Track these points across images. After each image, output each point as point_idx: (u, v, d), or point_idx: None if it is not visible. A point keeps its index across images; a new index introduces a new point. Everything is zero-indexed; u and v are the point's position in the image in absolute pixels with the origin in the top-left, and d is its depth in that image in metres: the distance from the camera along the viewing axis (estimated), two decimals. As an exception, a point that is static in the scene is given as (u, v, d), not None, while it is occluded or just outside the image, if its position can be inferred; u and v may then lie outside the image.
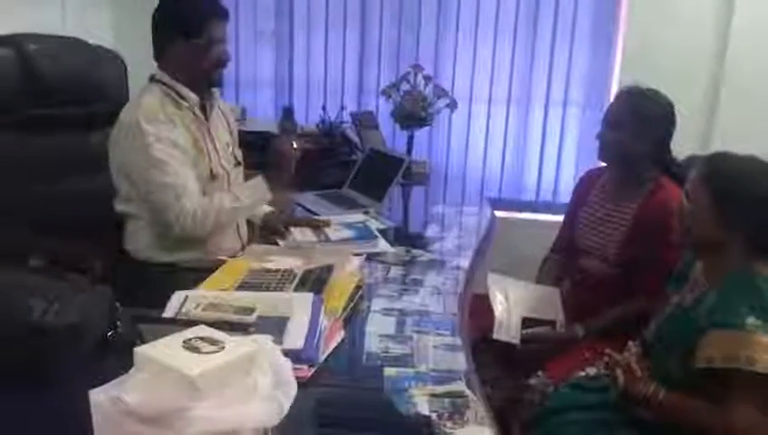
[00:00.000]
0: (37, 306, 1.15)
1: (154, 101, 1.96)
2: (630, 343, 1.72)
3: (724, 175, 1.53)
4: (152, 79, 2.03)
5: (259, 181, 2.06)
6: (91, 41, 2.29)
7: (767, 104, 3.07)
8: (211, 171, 2.05)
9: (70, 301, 1.19)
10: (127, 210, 2.04)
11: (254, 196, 2.05)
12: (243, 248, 2.09)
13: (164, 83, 2.00)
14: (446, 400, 1.22)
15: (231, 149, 2.19)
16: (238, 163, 2.22)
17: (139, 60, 3.16)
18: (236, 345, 0.98)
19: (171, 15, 2.01)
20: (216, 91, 2.15)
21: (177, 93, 2.00)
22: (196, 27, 1.98)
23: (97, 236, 2.04)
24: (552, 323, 2.10)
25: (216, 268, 1.73)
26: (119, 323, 1.29)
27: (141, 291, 1.77)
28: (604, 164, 2.24)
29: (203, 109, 2.07)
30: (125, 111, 1.98)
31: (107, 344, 1.24)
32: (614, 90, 3.32)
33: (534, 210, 3.54)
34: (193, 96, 2.02)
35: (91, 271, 1.86)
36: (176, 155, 1.93)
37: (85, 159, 2.15)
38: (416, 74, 3.10)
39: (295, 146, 2.11)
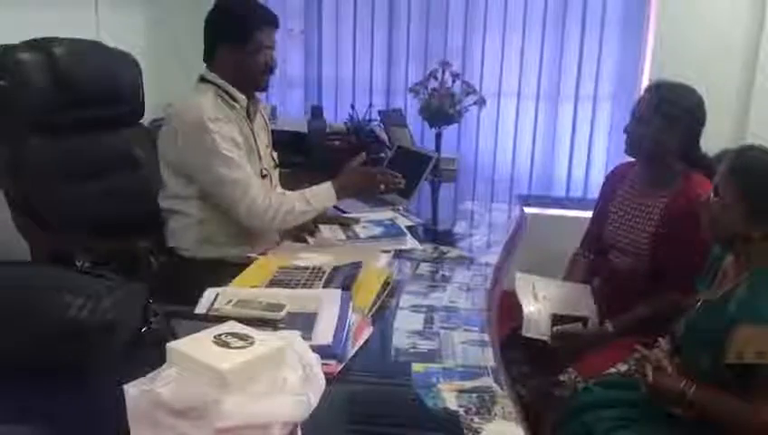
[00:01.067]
0: (73, 304, 1.18)
1: (211, 101, 2.02)
2: (660, 339, 1.70)
3: (754, 169, 1.50)
4: (203, 79, 2.09)
5: (328, 187, 2.11)
6: (113, 44, 2.34)
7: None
8: (261, 171, 2.12)
9: (105, 298, 1.21)
10: (173, 207, 2.09)
11: (323, 201, 2.10)
12: (278, 244, 2.13)
13: (216, 84, 2.06)
14: (474, 395, 1.22)
15: (269, 150, 2.24)
16: (276, 165, 2.27)
17: (170, 62, 3.22)
18: (266, 341, 0.99)
19: (223, 20, 2.06)
20: (258, 95, 2.20)
21: (229, 95, 2.06)
22: (245, 33, 2.03)
23: (135, 233, 2.09)
24: (583, 319, 2.08)
25: (247, 265, 1.75)
26: (152, 319, 1.32)
27: (173, 288, 1.81)
28: (632, 159, 2.22)
29: (247, 111, 2.13)
30: (182, 112, 2.02)
31: (141, 340, 1.27)
32: (645, 83, 3.28)
33: (564, 206, 3.51)
34: (243, 98, 2.08)
35: (140, 265, 1.92)
36: (239, 153, 2.00)
37: (110, 160, 2.22)
38: (443, 71, 3.09)
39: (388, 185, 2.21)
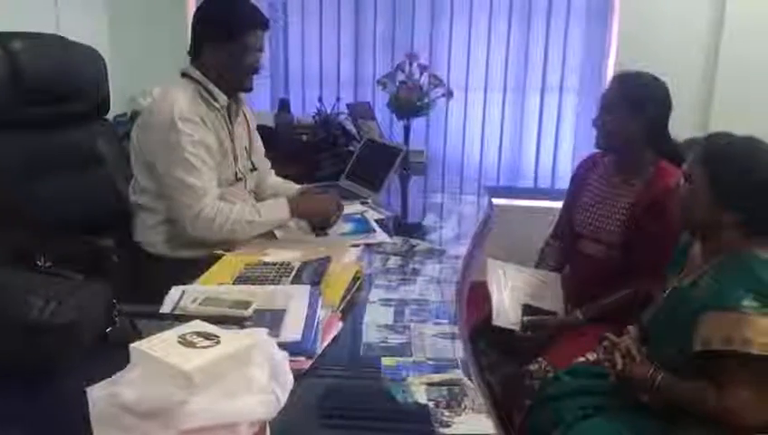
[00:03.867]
0: (35, 305, 1.16)
1: (186, 99, 1.98)
2: (629, 327, 1.72)
3: (722, 157, 1.52)
4: (184, 75, 2.06)
5: (282, 202, 2.06)
6: (73, 39, 2.28)
7: (764, 84, 3.07)
8: (236, 174, 2.09)
9: (67, 299, 1.19)
10: (143, 203, 2.06)
11: (273, 214, 2.04)
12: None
13: (197, 81, 2.03)
14: (444, 388, 1.21)
15: (248, 154, 2.21)
16: (254, 169, 2.24)
17: (133, 57, 3.17)
18: (232, 339, 0.98)
19: (213, 17, 2.04)
20: (243, 95, 2.18)
21: (209, 93, 2.03)
22: (234, 33, 2.00)
23: (99, 231, 2.05)
24: (553, 314, 2.10)
25: (214, 263, 1.73)
26: (116, 319, 1.30)
27: (139, 286, 1.79)
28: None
29: (228, 111, 2.10)
30: (158, 107, 1.99)
31: (105, 341, 1.25)
32: (610, 73, 3.32)
33: (533, 197, 3.54)
34: (224, 97, 2.05)
35: (104, 264, 1.89)
36: (205, 158, 1.96)
37: (73, 156, 2.16)
38: (411, 63, 3.09)
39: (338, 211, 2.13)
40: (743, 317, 1.38)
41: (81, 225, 2.02)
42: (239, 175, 2.12)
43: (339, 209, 2.14)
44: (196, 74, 2.04)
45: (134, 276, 1.92)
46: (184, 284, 1.52)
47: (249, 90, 2.14)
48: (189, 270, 1.70)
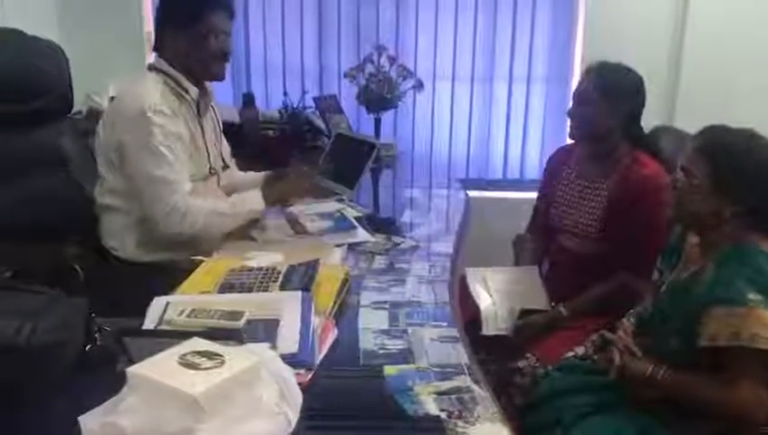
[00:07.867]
0: (9, 326, 1.06)
1: (156, 91, 1.89)
2: (624, 320, 1.69)
3: (724, 149, 1.49)
4: (151, 68, 1.96)
5: (255, 193, 2.01)
6: (30, 32, 2.15)
7: (729, 73, 3.11)
8: (210, 168, 2.01)
9: (45, 317, 1.10)
10: (111, 203, 1.96)
11: (247, 206, 1.99)
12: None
13: (165, 73, 1.93)
14: (453, 396, 1.17)
15: (219, 149, 2.14)
16: (226, 166, 2.16)
17: (87, 52, 3.02)
18: (237, 358, 0.91)
19: (173, 2, 1.96)
20: (211, 90, 2.09)
21: (179, 85, 1.93)
22: (196, 15, 1.91)
23: (62, 237, 1.93)
24: (542, 311, 2.07)
25: (192, 269, 1.63)
26: (97, 335, 1.21)
27: (112, 296, 1.68)
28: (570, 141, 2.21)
29: (198, 106, 2.01)
30: (124, 101, 1.90)
31: (85, 360, 1.16)
32: (577, 62, 3.32)
33: (502, 188, 3.51)
34: (194, 90, 1.96)
35: (73, 276, 1.78)
36: (178, 151, 1.88)
37: (33, 158, 2.03)
38: (379, 55, 3.02)
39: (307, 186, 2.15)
40: (750, 312, 1.36)
41: (45, 231, 1.91)
42: (213, 170, 2.03)
43: (308, 179, 2.18)
44: (164, 66, 1.94)
45: (105, 286, 1.80)
46: (162, 293, 1.42)
47: (221, 78, 2.04)
48: (166, 277, 1.61)
